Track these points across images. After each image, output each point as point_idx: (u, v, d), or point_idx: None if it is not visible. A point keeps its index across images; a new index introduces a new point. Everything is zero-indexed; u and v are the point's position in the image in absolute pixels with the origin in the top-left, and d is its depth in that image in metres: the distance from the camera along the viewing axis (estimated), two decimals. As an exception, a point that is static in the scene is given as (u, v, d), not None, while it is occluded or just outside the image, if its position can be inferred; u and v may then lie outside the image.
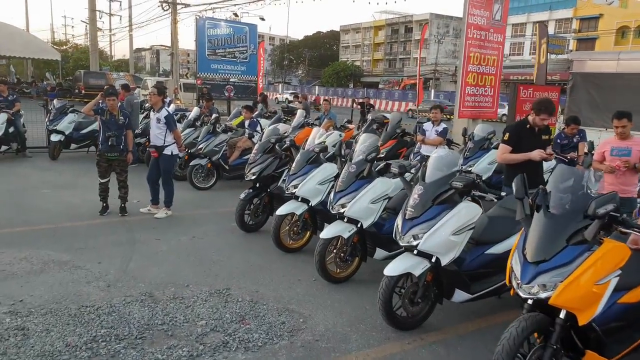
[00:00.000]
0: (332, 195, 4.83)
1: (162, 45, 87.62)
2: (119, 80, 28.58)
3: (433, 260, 3.77)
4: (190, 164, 8.71)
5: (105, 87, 9.86)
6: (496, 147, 7.95)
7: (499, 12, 10.10)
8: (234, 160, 8.88)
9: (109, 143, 6.64)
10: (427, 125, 8.17)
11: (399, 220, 3.83)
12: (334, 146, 10.59)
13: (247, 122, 9.23)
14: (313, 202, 5.44)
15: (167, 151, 6.83)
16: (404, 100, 45.12)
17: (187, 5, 23.49)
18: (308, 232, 5.72)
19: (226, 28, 25.12)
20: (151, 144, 6.94)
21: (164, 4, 24.90)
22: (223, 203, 8.01)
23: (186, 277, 4.84)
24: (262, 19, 27.11)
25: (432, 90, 47.42)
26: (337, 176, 5.46)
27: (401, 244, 3.84)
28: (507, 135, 4.87)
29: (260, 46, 26.04)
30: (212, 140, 8.73)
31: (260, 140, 6.48)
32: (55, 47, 37.46)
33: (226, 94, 24.75)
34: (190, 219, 6.96)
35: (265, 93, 21.17)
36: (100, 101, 6.99)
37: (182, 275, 4.90)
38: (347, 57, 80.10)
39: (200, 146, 8.73)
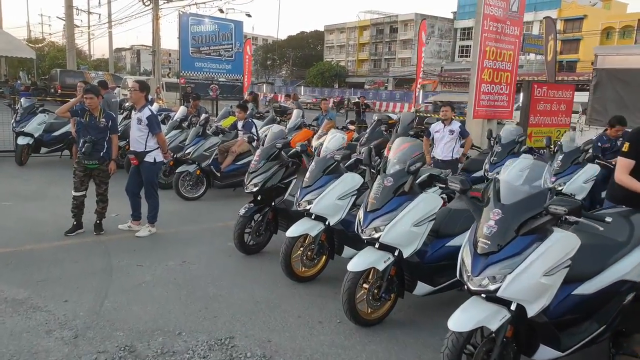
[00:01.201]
0: (361, 214, 3.84)
1: (143, 45, 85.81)
2: (97, 80, 27.24)
3: (396, 253, 3.73)
4: (177, 171, 7.64)
5: (79, 83, 8.79)
6: (526, 152, 7.06)
7: (516, 3, 9.23)
8: (227, 167, 7.84)
9: (88, 149, 5.56)
10: (437, 126, 7.25)
11: (465, 253, 3.04)
12: (338, 150, 9.69)
13: (240, 124, 8.19)
14: (332, 221, 4.45)
15: (149, 158, 5.77)
16: (392, 100, 44.18)
17: (170, 0, 22.29)
18: (324, 257, 4.72)
19: (211, 25, 24.01)
20: (131, 149, 5.87)
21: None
22: (215, 216, 6.97)
23: (177, 321, 3.80)
24: (249, 15, 26.08)
25: (421, 91, 46.63)
26: (361, 189, 4.53)
27: (363, 237, 3.78)
28: (627, 145, 3.80)
29: (247, 44, 24.92)
30: (202, 144, 7.68)
31: (262, 145, 5.46)
32: (30, 45, 35.83)
33: (211, 94, 23.59)
34: (178, 238, 5.91)
35: (256, 92, 20.03)
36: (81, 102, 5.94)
37: (172, 317, 3.86)
38: (331, 58, 79.20)
39: (188, 150, 7.66)
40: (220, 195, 8.17)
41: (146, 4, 23.52)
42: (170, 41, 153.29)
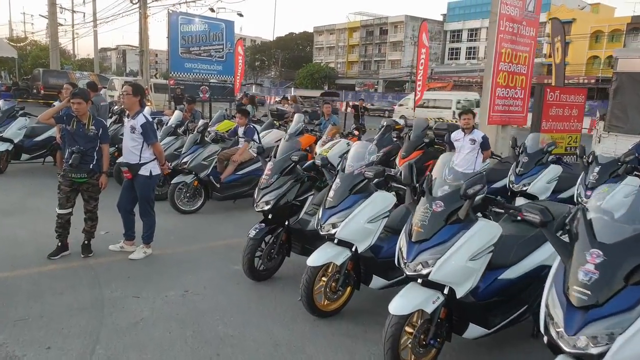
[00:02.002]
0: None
1: (129, 45, 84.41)
2: (82, 80, 26.30)
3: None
4: (172, 182, 6.96)
5: (65, 85, 8.06)
6: (555, 162, 6.52)
7: (532, 2, 8.72)
8: (228, 177, 7.20)
9: (75, 161, 4.89)
10: (457, 134, 6.69)
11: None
12: (340, 156, 9.07)
13: (241, 130, 7.55)
14: (360, 248, 3.85)
15: (144, 171, 5.11)
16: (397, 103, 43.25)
17: (158, -1, 21.54)
18: (348, 288, 4.10)
19: (201, 24, 23.21)
20: (123, 160, 5.20)
21: (133, -3, 22.87)
22: (216, 233, 6.32)
23: (184, 374, 3.17)
24: (240, 14, 25.35)
25: (413, 94, 46.24)
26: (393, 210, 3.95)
27: (321, 233, 3.90)
28: None
29: (239, 44, 24.21)
30: (200, 153, 7.02)
31: (273, 157, 4.83)
32: (12, 44, 34.72)
33: (201, 95, 22.86)
34: (177, 260, 5.25)
35: (251, 93, 19.27)
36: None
37: (178, 369, 3.22)
38: (321, 59, 78.68)
39: (185, 159, 7.00)
40: (219, 207, 7.51)
41: (134, 2, 22.71)
42: (157, 41, 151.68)
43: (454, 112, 24.66)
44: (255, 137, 7.43)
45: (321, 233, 3.93)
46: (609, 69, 51.34)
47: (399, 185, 4.21)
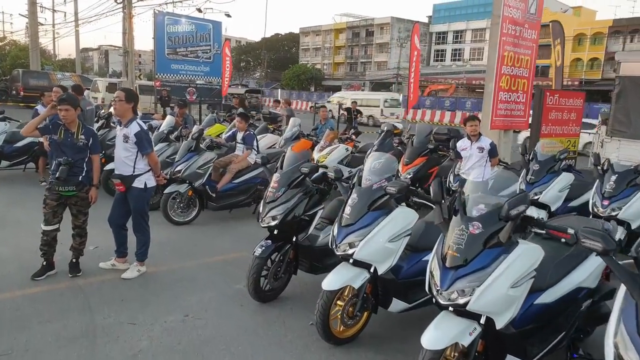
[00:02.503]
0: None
1: (111, 45, 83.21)
2: (64, 81, 25.57)
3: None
4: (165, 191, 6.56)
5: (55, 88, 7.61)
6: (566, 169, 6.28)
7: (534, 4, 8.50)
8: (224, 186, 6.83)
9: (63, 174, 4.49)
10: (463, 142, 6.39)
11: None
12: (340, 162, 8.75)
13: (240, 135, 7.18)
14: (380, 269, 3.53)
15: (138, 183, 4.72)
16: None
17: (143, -2, 20.99)
18: (366, 312, 3.78)
19: (188, 25, 22.77)
20: (116, 172, 4.80)
21: (117, -3, 22.27)
22: (213, 247, 5.95)
23: (191, 419, 2.81)
24: (228, 15, 24.87)
25: (400, 95, 46.16)
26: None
27: (337, 253, 3.61)
28: None
29: (226, 45, 23.77)
30: (195, 161, 6.63)
31: (279, 168, 4.48)
32: (-10, 43, 33.77)
33: (188, 97, 22.38)
34: (174, 279, 4.87)
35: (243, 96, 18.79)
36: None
37: (184, 412, 2.86)
38: (307, 60, 78.35)
39: (179, 168, 6.60)
40: (214, 218, 7.13)
41: (118, 1, 22.14)
42: (141, 41, 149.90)
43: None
44: (255, 144, 7.07)
45: (337, 253, 3.60)
46: (592, 71, 52.00)
47: (423, 202, 3.90)
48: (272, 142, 9.99)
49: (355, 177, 3.82)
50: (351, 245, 3.51)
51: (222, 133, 10.89)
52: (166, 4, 22.08)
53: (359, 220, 3.54)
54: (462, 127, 9.31)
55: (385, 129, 8.38)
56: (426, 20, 73.62)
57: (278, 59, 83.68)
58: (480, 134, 6.21)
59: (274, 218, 4.22)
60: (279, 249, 4.33)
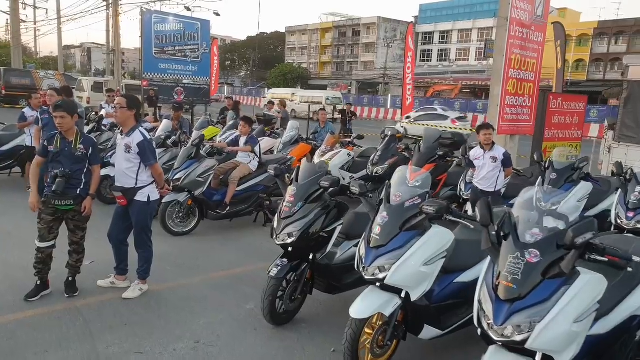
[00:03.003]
0: (485, 298, 2.65)
1: (94, 43, 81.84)
2: (47, 80, 24.99)
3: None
4: (164, 201, 6.19)
5: (49, 91, 7.20)
6: (583, 178, 6.07)
7: (541, 6, 8.32)
8: (220, 193, 6.50)
9: (60, 187, 4.14)
10: (477, 152, 6.13)
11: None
12: (342, 168, 8.46)
13: (243, 140, 6.86)
14: (414, 295, 3.25)
15: (141, 196, 4.38)
16: (373, 105, 42.66)
17: (130, -4, 20.53)
18: (395, 341, 3.49)
19: (175, 23, 22.23)
20: (117, 184, 4.45)
21: (103, -6, 21.73)
22: (217, 260, 5.63)
23: None
24: (217, 14, 24.43)
25: (390, 96, 46.09)
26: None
27: (365, 277, 3.29)
28: None
29: (214, 44, 23.35)
30: (195, 168, 6.29)
31: (295, 180, 4.18)
32: (-31, 41, 32.80)
33: (176, 97, 21.92)
34: (179, 298, 4.55)
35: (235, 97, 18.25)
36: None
37: None
38: (293, 59, 77.96)
39: (178, 176, 6.26)
40: (214, 228, 6.80)
41: (104, -1, 21.57)
42: (124, 40, 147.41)
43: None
44: (257, 149, 6.76)
45: (365, 277, 3.31)
46: (577, 72, 52.46)
47: (460, 221, 3.63)
48: (270, 146, 9.67)
49: (383, 193, 3.53)
50: (382, 269, 3.22)
51: (216, 136, 10.57)
52: (154, 1, 21.54)
53: (390, 241, 3.24)
54: (463, 131, 9.09)
55: (389, 133, 8.11)
56: (412, 20, 73.78)
57: (264, 58, 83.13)
58: (493, 143, 5.97)
59: (290, 235, 3.92)
60: (295, 269, 4.03)
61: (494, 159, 5.87)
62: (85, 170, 4.35)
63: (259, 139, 9.80)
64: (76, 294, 4.43)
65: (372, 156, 8.07)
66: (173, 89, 22.26)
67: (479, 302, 2.69)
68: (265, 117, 11.71)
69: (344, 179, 8.41)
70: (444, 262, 3.37)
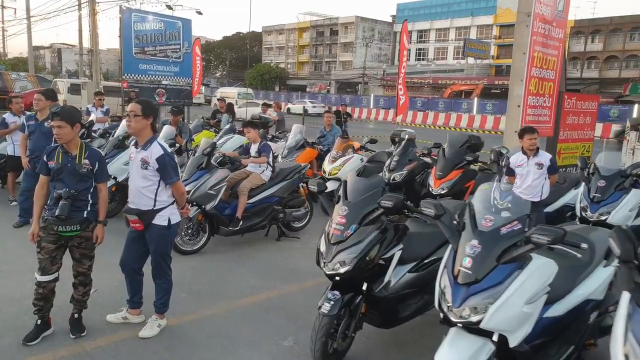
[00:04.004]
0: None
1: (64, 44, 79.52)
2: (19, 82, 23.81)
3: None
4: (170, 217, 5.54)
5: (36, 95, 6.43)
6: (633, 185, 5.63)
7: (562, 1, 7.90)
8: (232, 205, 5.88)
9: (65, 210, 3.49)
10: (517, 157, 5.61)
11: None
12: (358, 175, 7.89)
13: (255, 147, 6.25)
14: (513, 340, 2.69)
15: (160, 219, 3.74)
16: (356, 105, 42.00)
17: (107, -7, 19.56)
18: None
19: (156, 22, 21.33)
20: (131, 205, 3.79)
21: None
22: (236, 283, 5.01)
23: None
24: (199, 12, 23.57)
25: (372, 96, 45.74)
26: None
27: (452, 320, 2.74)
28: None
29: (196, 44, 22.54)
30: (206, 180, 5.65)
31: (342, 197, 3.59)
32: None
33: (157, 99, 21.04)
34: (205, 334, 3.92)
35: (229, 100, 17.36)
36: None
37: None
38: (270, 59, 77.11)
39: (187, 188, 5.59)
40: (224, 244, 6.16)
41: (79, -4, 20.56)
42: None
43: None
44: (271, 156, 6.15)
45: (452, 319, 2.75)
46: (555, 71, 53.11)
47: (573, 252, 3.13)
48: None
49: (466, 215, 2.97)
50: (476, 311, 2.68)
51: (212, 139, 9.90)
52: (133, -1, 20.62)
53: (486, 276, 2.70)
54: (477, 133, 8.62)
55: (406, 137, 7.58)
56: (390, 19, 73.73)
57: (240, 58, 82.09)
58: (538, 148, 5.49)
59: (343, 264, 3.34)
60: (349, 302, 3.45)
61: (540, 165, 5.39)
62: (92, 189, 3.69)
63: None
64: (83, 334, 3.77)
65: (388, 162, 7.53)
66: (154, 91, 21.38)
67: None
68: (261, 120, 11.08)
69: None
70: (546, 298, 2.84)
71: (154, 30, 21.10)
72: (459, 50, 62.38)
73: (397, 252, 3.52)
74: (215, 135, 10.06)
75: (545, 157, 5.45)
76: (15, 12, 46.33)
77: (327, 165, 7.90)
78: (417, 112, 32.46)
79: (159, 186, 3.68)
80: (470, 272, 2.70)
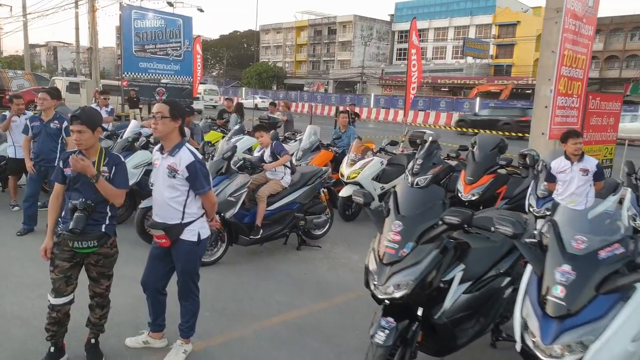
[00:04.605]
0: None
1: (60, 42, 78.87)
2: (16, 80, 23.34)
3: None
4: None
5: (40, 94, 5.98)
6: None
7: (593, -4, 7.55)
8: (252, 213, 5.50)
9: (80, 223, 3.08)
10: (561, 163, 5.23)
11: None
12: (375, 179, 7.53)
13: (267, 152, 5.87)
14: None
15: (189, 234, 3.33)
16: (356, 104, 41.56)
17: (107, -11, 19.11)
18: None
19: (156, 20, 20.92)
20: (155, 219, 3.39)
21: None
22: (262, 299, 4.61)
23: None
24: (201, 10, 23.09)
25: (373, 95, 45.38)
26: None
27: (541, 357, 2.34)
28: None
29: (197, 42, 22.09)
30: (226, 186, 5.23)
31: (394, 211, 3.20)
32: None
33: (157, 98, 20.61)
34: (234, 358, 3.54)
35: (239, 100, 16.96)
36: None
37: None
38: (268, 58, 76.62)
39: (205, 196, 5.20)
40: (241, 253, 5.77)
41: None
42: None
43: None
44: (286, 153, 5.78)
45: (541, 358, 2.37)
46: (555, 71, 52.88)
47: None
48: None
49: (550, 234, 2.59)
50: (571, 349, 2.33)
51: (218, 142, 9.49)
52: (134, -5, 20.16)
53: (584, 308, 2.35)
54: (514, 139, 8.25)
55: (430, 138, 7.20)
56: (388, 18, 73.40)
57: (237, 56, 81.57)
58: (583, 153, 5.12)
59: (399, 287, 2.94)
60: (406, 331, 3.06)
61: (585, 171, 5.02)
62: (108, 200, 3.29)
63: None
64: (101, 362, 3.37)
65: (411, 165, 7.15)
66: (154, 89, 20.98)
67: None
68: (270, 121, 10.67)
69: (375, 190, 7.50)
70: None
71: (154, 28, 20.72)
72: (457, 49, 62.15)
73: (458, 274, 3.13)
74: (224, 136, 9.68)
75: (591, 163, 5.09)
76: (11, 9, 45.57)
77: (345, 169, 7.51)
78: (418, 112, 32.07)
79: (188, 196, 3.27)
80: (564, 303, 2.36)
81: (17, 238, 5.93)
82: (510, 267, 3.48)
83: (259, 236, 5.54)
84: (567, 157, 5.15)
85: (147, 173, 6.57)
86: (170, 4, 21.01)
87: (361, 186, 7.36)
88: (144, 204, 5.83)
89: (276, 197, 5.78)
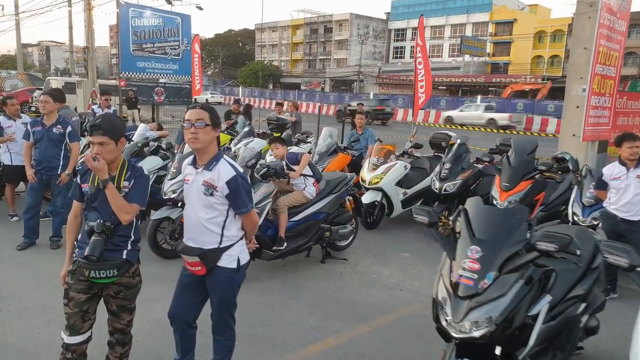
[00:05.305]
0: None
1: (53, 41, 77.92)
2: (9, 80, 22.74)
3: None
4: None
5: (42, 97, 5.47)
6: None
7: (626, -10, 7.13)
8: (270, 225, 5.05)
9: (98, 248, 2.62)
10: (613, 169, 4.79)
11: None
12: (398, 184, 7.07)
13: (283, 163, 5.44)
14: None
15: (228, 260, 2.87)
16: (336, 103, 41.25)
17: (103, -13, 18.55)
18: None
19: (154, 18, 20.36)
20: (188, 243, 2.91)
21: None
22: (295, 323, 4.16)
23: None
24: (200, 7, 22.51)
25: (372, 94, 44.92)
26: None
27: (453, 334, 2.47)
28: None
29: (195, 40, 21.58)
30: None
31: (470, 234, 2.75)
32: None
33: (156, 98, 20.10)
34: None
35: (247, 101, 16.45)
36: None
37: None
38: (263, 57, 76.01)
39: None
40: (263, 269, 5.32)
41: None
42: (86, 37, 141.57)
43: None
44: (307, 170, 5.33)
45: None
46: (553, 68, 52.70)
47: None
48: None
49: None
50: (480, 324, 2.42)
51: (225, 144, 9.04)
52: (131, -8, 19.59)
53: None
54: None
55: (459, 141, 6.76)
56: (384, 17, 72.98)
57: (233, 55, 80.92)
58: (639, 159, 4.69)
59: (479, 325, 2.49)
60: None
61: None
62: (135, 222, 2.83)
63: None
64: (125, 410, 2.91)
65: (438, 169, 6.72)
66: (152, 89, 20.41)
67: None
68: (279, 122, 10.19)
69: (398, 196, 7.07)
70: None
71: (152, 26, 20.17)
72: (454, 47, 61.88)
73: (544, 307, 2.69)
74: (232, 138, 9.22)
75: None
76: (2, 8, 44.76)
77: (366, 174, 7.07)
78: (440, 112, 31.74)
79: (227, 217, 2.81)
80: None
81: (18, 253, 5.45)
82: (586, 292, 3.13)
83: (282, 248, 5.09)
84: (622, 163, 4.72)
85: (157, 180, 6.12)
86: (169, 2, 20.42)
87: (384, 192, 6.94)
88: (156, 215, 5.40)
89: (301, 207, 5.33)
